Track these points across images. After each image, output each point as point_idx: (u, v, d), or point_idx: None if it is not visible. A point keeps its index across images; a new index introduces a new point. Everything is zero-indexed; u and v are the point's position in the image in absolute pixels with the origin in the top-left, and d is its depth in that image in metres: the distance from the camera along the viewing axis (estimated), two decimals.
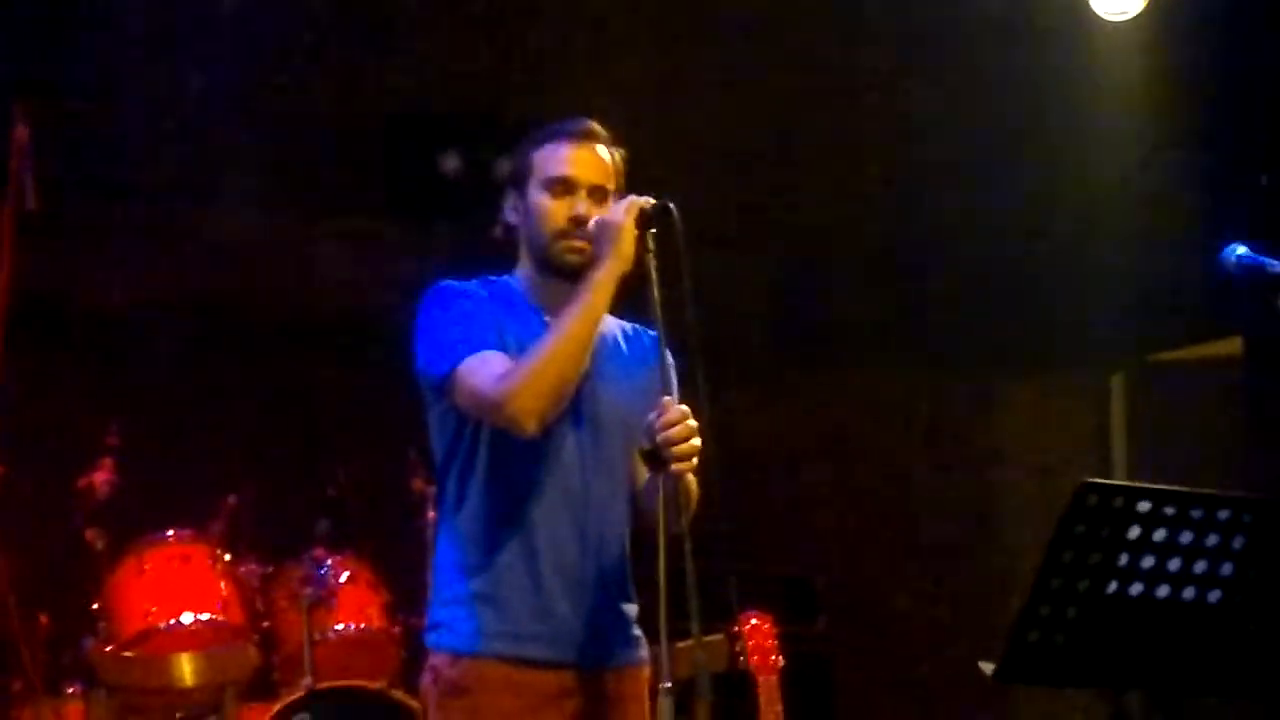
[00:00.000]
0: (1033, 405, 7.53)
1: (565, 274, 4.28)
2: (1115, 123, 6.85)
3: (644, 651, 4.33)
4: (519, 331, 4.28)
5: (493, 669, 4.25)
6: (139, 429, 6.18)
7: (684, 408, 4.18)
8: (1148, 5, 6.69)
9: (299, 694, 5.95)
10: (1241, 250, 4.04)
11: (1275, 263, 4.00)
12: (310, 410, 6.65)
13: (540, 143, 4.33)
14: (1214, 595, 3.69)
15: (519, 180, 4.34)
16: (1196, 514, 3.68)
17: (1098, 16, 6.80)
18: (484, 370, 4.18)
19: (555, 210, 4.28)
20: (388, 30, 6.79)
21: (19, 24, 6.44)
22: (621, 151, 4.37)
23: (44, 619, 6.10)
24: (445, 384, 4.23)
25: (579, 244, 4.25)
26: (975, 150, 7.06)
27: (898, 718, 7.04)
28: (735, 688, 6.03)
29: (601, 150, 4.33)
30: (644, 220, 4.21)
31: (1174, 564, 3.68)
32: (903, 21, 6.79)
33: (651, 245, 4.22)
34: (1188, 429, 6.97)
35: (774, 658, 6.04)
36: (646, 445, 4.16)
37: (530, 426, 4.17)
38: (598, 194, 4.28)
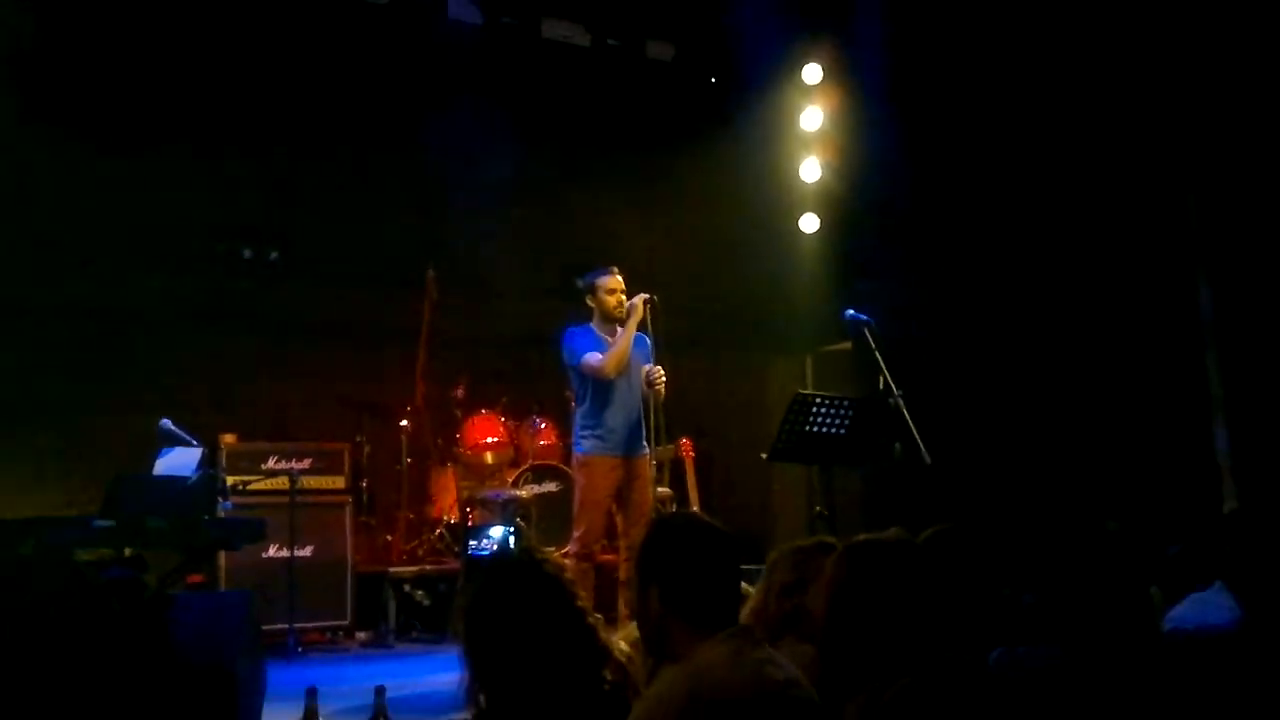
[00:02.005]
0: (779, 368, 7.10)
1: (617, 322, 4.33)
2: (801, 279, 6.51)
3: (648, 450, 4.34)
4: (599, 347, 4.28)
5: (595, 458, 4.32)
6: (483, 377, 6.01)
7: (659, 367, 4.31)
8: (820, 227, 6.53)
9: (526, 467, 5.94)
10: (851, 311, 4.14)
11: (864, 316, 4.09)
12: (529, 373, 6.26)
13: (598, 275, 4.37)
14: (842, 431, 3.78)
15: (592, 291, 4.35)
16: (836, 403, 3.77)
17: (802, 231, 6.69)
18: (593, 360, 4.24)
19: (611, 300, 4.33)
20: (555, 240, 6.56)
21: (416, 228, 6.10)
22: (623, 275, 4.37)
23: (440, 439, 6.02)
24: (579, 365, 4.28)
25: (622, 311, 4.30)
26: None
27: (731, 476, 6.80)
28: (677, 466, 6.09)
29: (618, 276, 4.35)
30: (645, 303, 4.31)
31: (828, 420, 3.76)
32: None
33: (649, 312, 4.30)
34: (834, 379, 6.67)
35: (691, 454, 6.11)
36: (646, 380, 4.26)
37: (613, 376, 4.24)
38: (624, 292, 4.32)
